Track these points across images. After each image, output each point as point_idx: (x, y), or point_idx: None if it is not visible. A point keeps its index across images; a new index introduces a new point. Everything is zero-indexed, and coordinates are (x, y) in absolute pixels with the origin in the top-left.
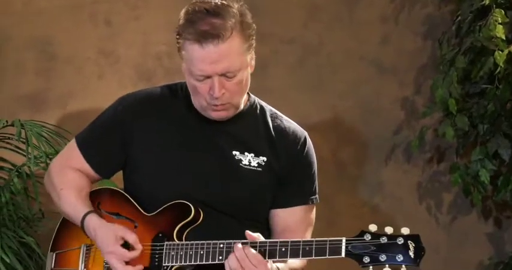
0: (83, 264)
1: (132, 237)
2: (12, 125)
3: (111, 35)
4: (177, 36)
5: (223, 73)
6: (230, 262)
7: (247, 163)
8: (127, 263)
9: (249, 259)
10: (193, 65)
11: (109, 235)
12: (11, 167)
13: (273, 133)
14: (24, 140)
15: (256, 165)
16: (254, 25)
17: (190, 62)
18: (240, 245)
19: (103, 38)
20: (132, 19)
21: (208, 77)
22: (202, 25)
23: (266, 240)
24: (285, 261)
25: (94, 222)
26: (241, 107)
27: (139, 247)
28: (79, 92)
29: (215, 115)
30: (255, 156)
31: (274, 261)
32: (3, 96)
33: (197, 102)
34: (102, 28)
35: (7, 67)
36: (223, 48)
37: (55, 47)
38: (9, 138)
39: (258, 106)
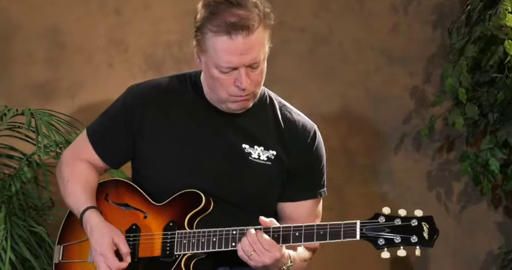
0: (91, 256)
1: (125, 249)
2: (22, 114)
3: (120, 24)
4: (197, 29)
5: (250, 64)
6: (243, 245)
7: (257, 157)
8: None
9: (261, 244)
10: (219, 57)
11: (105, 237)
12: (21, 155)
13: (282, 126)
14: (34, 129)
15: (265, 159)
16: (272, 14)
17: (215, 54)
18: (253, 230)
19: (113, 27)
20: (142, 8)
21: (235, 68)
22: (229, 17)
23: (279, 225)
24: (294, 248)
25: (92, 219)
26: None
27: (127, 261)
28: (89, 81)
29: (236, 106)
30: (264, 149)
31: (288, 247)
32: (14, 85)
33: (216, 94)
34: (112, 17)
35: (17, 56)
36: (251, 39)
37: (65, 36)
38: (19, 127)
39: (268, 98)
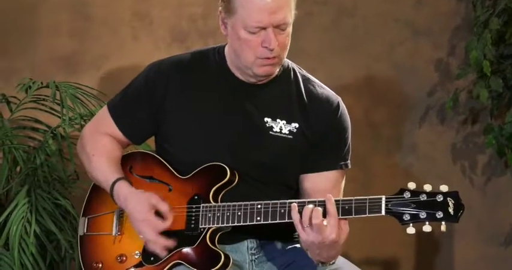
0: (117, 229)
1: (165, 207)
2: (47, 86)
3: None
4: None
5: (278, 25)
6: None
7: (278, 130)
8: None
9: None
10: (249, 17)
11: (142, 203)
12: (45, 128)
13: (305, 99)
14: (59, 102)
15: (287, 132)
16: None
17: (244, 13)
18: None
19: None
20: None
21: (263, 28)
22: None
23: (305, 200)
24: None
25: (124, 190)
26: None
27: (171, 217)
28: (114, 53)
29: (262, 71)
30: (286, 123)
31: None
32: (38, 58)
33: (242, 59)
34: None
35: (42, 29)
36: None
37: (90, 8)
38: (44, 99)
39: (292, 70)
